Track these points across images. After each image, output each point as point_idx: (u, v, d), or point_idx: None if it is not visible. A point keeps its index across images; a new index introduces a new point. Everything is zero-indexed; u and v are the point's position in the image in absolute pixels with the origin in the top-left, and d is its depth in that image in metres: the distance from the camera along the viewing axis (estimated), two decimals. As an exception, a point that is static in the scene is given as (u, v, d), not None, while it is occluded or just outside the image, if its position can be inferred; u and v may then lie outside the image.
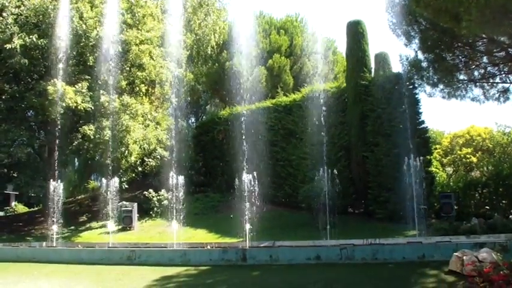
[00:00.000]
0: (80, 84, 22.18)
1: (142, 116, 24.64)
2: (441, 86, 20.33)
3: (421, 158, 20.39)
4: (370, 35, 23.68)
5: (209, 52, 35.99)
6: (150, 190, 26.25)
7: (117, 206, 24.01)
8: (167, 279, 12.31)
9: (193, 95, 42.02)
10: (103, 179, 22.40)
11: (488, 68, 20.05)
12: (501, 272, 7.90)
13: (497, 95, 20.51)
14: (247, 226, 16.29)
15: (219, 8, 36.38)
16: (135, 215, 24.15)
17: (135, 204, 24.46)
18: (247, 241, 16.04)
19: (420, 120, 21.74)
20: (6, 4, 22.39)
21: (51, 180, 20.38)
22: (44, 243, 19.92)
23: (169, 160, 24.09)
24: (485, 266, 8.65)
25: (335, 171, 18.53)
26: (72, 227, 25.21)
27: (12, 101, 22.96)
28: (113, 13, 22.88)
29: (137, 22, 24.84)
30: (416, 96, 21.68)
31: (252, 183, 17.16)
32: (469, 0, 11.88)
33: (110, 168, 20.96)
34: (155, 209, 25.83)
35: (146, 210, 25.78)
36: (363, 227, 19.70)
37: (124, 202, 24.75)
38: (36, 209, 33.51)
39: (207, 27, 34.60)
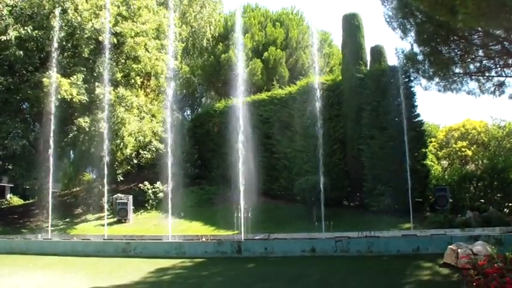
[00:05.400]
0: (75, 76, 22.06)
1: (138, 109, 24.59)
2: (437, 79, 20.35)
3: (417, 151, 20.58)
4: (366, 27, 23.71)
5: (204, 44, 35.93)
6: (146, 182, 26.27)
7: (112, 198, 24.06)
8: (162, 271, 12.32)
9: (189, 87, 41.97)
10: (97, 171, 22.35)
11: (484, 61, 20.06)
12: (495, 265, 7.92)
13: (492, 89, 20.54)
14: (243, 218, 16.29)
15: (215, 0, 36.26)
16: (131, 208, 24.15)
17: (131, 197, 24.46)
18: (243, 233, 16.06)
19: (416, 113, 21.79)
20: (1, -5, 22.27)
21: (46, 172, 20.34)
22: (39, 236, 19.89)
23: (164, 152, 24.05)
24: (479, 259, 8.67)
25: (330, 164, 18.56)
26: (68, 219, 25.19)
27: (7, 93, 22.83)
28: (107, 5, 22.75)
29: (132, 14, 24.72)
30: (412, 89, 21.73)
31: (247, 175, 17.16)
32: (465, -7, 11.88)
33: (105, 160, 20.87)
34: (150, 201, 25.86)
35: (141, 203, 25.79)
36: (358, 220, 19.75)
37: (119, 194, 24.77)
38: (31, 201, 33.41)
39: (203, 20, 34.53)
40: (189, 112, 46.67)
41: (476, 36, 18.50)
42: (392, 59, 45.53)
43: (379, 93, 21.49)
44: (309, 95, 22.36)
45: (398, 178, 19.27)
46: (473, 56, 19.83)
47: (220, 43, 35.75)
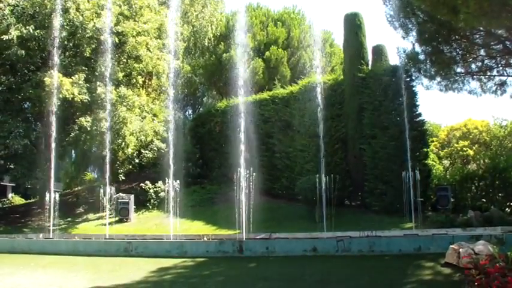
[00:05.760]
0: (76, 76, 22.11)
1: (139, 108, 24.62)
2: (438, 79, 20.33)
3: (418, 150, 20.50)
4: (368, 27, 23.68)
5: (206, 44, 35.97)
6: (147, 182, 26.26)
7: (114, 198, 24.05)
8: (164, 271, 12.32)
9: (190, 86, 42.00)
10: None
11: (486, 60, 20.03)
12: (497, 265, 7.92)
13: (494, 88, 20.52)
14: (244, 217, 16.25)
15: (216, -1, 36.33)
16: (132, 207, 24.17)
17: (132, 196, 24.48)
18: (244, 233, 16.04)
19: (417, 112, 21.71)
20: (3, -5, 22.33)
21: (48, 172, 20.37)
22: (41, 235, 19.90)
23: (166, 152, 24.05)
24: (481, 259, 8.67)
25: (332, 163, 18.50)
26: (69, 219, 25.22)
27: (9, 93, 22.87)
28: (109, 5, 22.76)
29: (134, 14, 24.75)
30: (414, 88, 21.63)
31: (249, 175, 17.14)
32: (466, -8, 11.86)
33: (107, 160, 20.88)
34: (152, 200, 25.86)
35: (143, 202, 25.80)
36: (360, 219, 19.72)
37: (121, 194, 24.76)
38: (33, 200, 33.46)
39: (204, 19, 34.58)
40: (190, 111, 46.79)
41: (477, 36, 18.48)
42: (393, 59, 45.37)
43: (381, 92, 21.46)
44: (310, 94, 22.35)
45: (399, 178, 19.23)
46: (475, 56, 19.80)
47: (222, 42, 35.76)
